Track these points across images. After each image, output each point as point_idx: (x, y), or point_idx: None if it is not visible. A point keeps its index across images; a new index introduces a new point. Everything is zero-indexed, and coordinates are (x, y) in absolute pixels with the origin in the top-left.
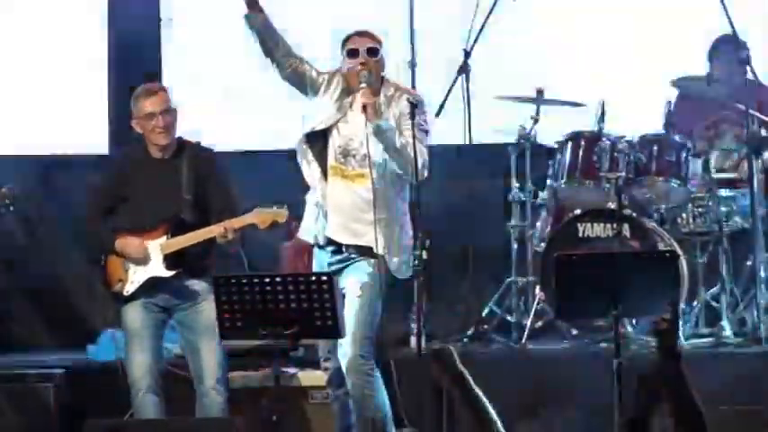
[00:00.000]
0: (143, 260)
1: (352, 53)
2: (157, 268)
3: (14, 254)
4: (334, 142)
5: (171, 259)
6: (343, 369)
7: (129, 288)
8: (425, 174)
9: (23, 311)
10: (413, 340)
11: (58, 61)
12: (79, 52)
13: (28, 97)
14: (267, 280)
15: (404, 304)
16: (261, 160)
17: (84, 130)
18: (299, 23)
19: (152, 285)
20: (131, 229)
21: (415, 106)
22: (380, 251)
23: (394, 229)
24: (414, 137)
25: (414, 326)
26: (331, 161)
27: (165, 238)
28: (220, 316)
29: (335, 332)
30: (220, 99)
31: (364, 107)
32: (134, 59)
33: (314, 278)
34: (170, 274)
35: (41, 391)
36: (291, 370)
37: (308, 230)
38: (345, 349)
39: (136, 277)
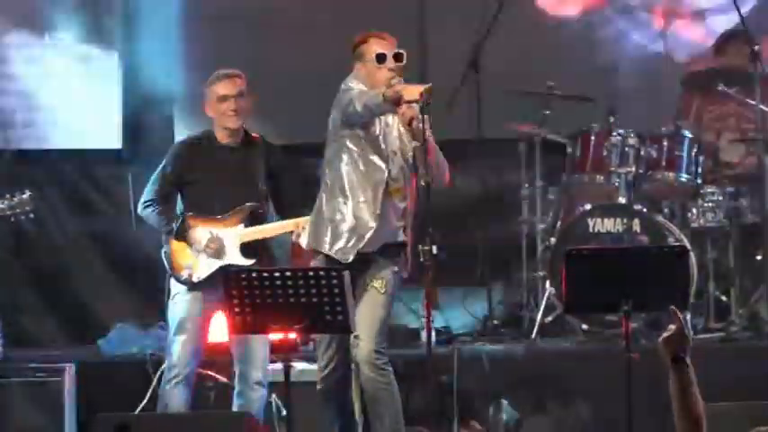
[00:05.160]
0: (217, 251)
1: (381, 58)
2: (234, 257)
3: (25, 248)
4: (388, 152)
5: (247, 248)
6: (359, 362)
7: (201, 274)
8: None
9: (33, 306)
10: (423, 335)
11: (70, 54)
12: (92, 46)
13: (40, 91)
14: (277, 274)
15: (413, 300)
16: None
17: (95, 123)
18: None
19: (220, 274)
20: (203, 213)
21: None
22: (401, 249)
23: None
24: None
25: (423, 321)
26: (385, 177)
27: (242, 226)
28: (230, 310)
29: (345, 327)
30: None
31: (411, 120)
32: (147, 55)
33: (324, 273)
34: (248, 262)
35: (52, 386)
36: (301, 365)
37: (341, 249)
38: (362, 344)
39: (209, 264)
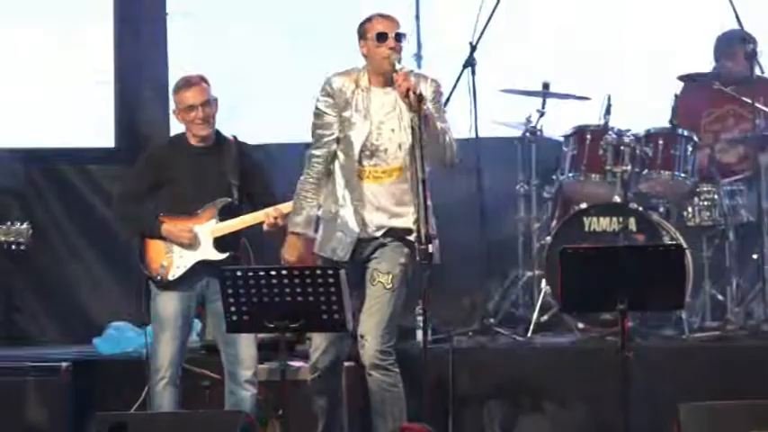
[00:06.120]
0: (191, 244)
1: (382, 37)
2: (208, 251)
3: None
4: (358, 144)
5: (221, 242)
6: (365, 363)
7: (176, 272)
8: (457, 161)
9: (29, 305)
10: (418, 334)
11: (65, 54)
12: (86, 45)
13: (34, 90)
14: (273, 273)
15: (409, 297)
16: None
17: (90, 123)
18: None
19: (196, 270)
20: (177, 213)
21: (420, 100)
22: (411, 237)
23: (430, 214)
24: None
25: (419, 319)
26: (356, 166)
27: (214, 221)
28: (227, 309)
29: (342, 326)
30: (228, 92)
31: (407, 91)
32: (140, 54)
33: (320, 272)
34: (222, 256)
35: (48, 385)
36: (297, 363)
37: (325, 245)
38: (367, 345)
39: (183, 261)
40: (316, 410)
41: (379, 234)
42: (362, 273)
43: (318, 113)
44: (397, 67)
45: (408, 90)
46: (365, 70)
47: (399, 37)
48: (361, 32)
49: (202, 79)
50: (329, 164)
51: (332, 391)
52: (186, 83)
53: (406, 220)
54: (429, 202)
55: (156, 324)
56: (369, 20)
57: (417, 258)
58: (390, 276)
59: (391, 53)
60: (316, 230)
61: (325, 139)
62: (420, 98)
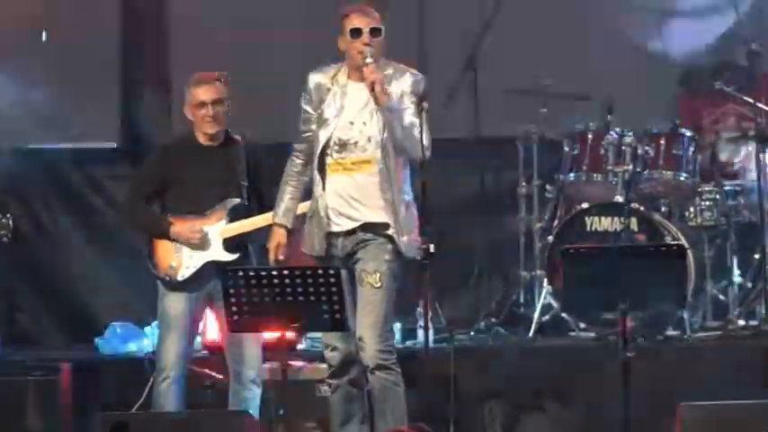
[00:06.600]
0: (200, 245)
1: (356, 32)
2: (218, 252)
3: (22, 247)
4: (330, 138)
5: (230, 243)
6: (366, 365)
7: (185, 272)
8: (428, 154)
9: (30, 305)
10: (419, 333)
11: (69, 53)
12: (90, 44)
13: (39, 89)
14: (275, 273)
15: (410, 297)
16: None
17: (93, 123)
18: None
19: (205, 271)
20: (186, 213)
21: (423, 108)
22: (389, 231)
23: (401, 208)
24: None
25: (421, 319)
26: (329, 160)
27: (224, 222)
28: (228, 309)
29: (343, 325)
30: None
31: (372, 84)
32: (143, 53)
33: (321, 272)
34: (232, 257)
35: (49, 385)
36: (298, 363)
37: (307, 242)
38: (366, 346)
39: (192, 262)
40: (334, 407)
41: (352, 227)
42: (352, 273)
43: (301, 110)
44: (368, 60)
45: (373, 83)
46: (346, 66)
47: (375, 32)
48: (340, 27)
49: (217, 78)
50: (309, 158)
51: (348, 387)
52: (200, 80)
53: (382, 214)
54: (407, 197)
55: (162, 323)
56: (346, 15)
57: (418, 258)
58: (378, 275)
59: (365, 48)
60: (297, 223)
61: (305, 135)
62: (380, 88)
